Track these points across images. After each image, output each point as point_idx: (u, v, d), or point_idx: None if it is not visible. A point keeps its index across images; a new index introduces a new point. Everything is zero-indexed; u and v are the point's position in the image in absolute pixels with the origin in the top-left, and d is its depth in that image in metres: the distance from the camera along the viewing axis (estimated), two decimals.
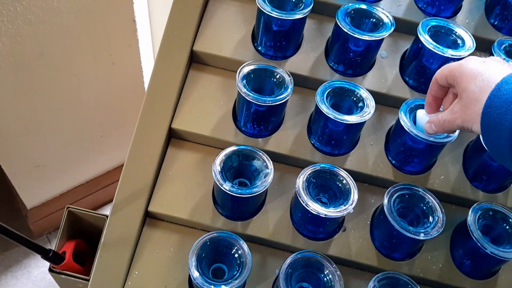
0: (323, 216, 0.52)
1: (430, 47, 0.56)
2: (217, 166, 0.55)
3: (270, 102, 0.55)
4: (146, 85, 1.33)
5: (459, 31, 0.59)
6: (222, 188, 0.53)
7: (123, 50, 1.22)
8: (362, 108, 0.57)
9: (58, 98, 1.15)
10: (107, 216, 0.59)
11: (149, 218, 0.59)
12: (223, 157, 0.56)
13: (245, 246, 0.53)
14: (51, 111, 1.16)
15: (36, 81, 1.08)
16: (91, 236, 0.67)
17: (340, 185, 0.55)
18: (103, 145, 1.39)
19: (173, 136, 0.62)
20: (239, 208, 0.58)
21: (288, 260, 0.53)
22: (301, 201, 0.53)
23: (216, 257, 0.55)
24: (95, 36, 1.14)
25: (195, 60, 0.64)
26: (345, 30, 0.57)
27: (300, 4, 0.60)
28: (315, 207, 0.52)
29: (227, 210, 0.58)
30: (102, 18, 1.11)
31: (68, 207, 0.66)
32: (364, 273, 0.58)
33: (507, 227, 0.55)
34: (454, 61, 0.58)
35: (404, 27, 0.63)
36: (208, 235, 0.54)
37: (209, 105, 0.62)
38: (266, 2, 0.59)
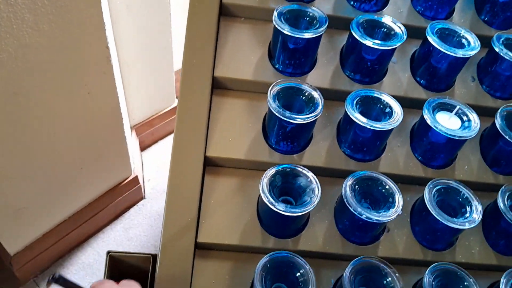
0: (375, 221, 0.54)
1: (441, 48, 0.60)
2: (265, 188, 0.55)
3: (305, 119, 0.57)
4: (122, 110, 1.29)
5: (463, 32, 0.64)
6: (274, 209, 0.54)
7: (98, 78, 1.19)
8: (390, 114, 0.60)
9: (35, 137, 1.10)
10: (151, 255, 0.58)
11: (199, 249, 0.59)
12: (269, 178, 0.56)
13: (306, 265, 0.54)
14: (28, 152, 1.10)
15: (11, 123, 1.02)
16: (131, 277, 0.65)
17: (383, 190, 0.58)
18: (84, 177, 1.34)
19: (208, 164, 0.62)
20: (289, 226, 0.59)
21: (349, 268, 0.55)
22: (352, 210, 0.55)
23: (277, 278, 0.56)
24: (70, 67, 1.09)
25: (217, 86, 0.64)
26: (362, 41, 0.60)
27: (315, 21, 0.62)
28: (368, 215, 0.54)
29: (277, 230, 0.59)
30: (75, 49, 1.07)
31: (108, 252, 0.63)
32: (411, 267, 0.61)
33: None
34: (463, 60, 0.62)
35: (408, 32, 0.67)
36: (267, 257, 0.54)
37: (239, 128, 0.62)
38: (283, 20, 0.60)
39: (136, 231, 1.48)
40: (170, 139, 1.73)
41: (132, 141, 1.59)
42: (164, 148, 1.69)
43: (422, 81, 0.66)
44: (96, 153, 1.31)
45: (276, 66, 0.65)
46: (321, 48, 0.66)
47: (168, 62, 1.52)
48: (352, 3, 0.67)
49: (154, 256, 0.63)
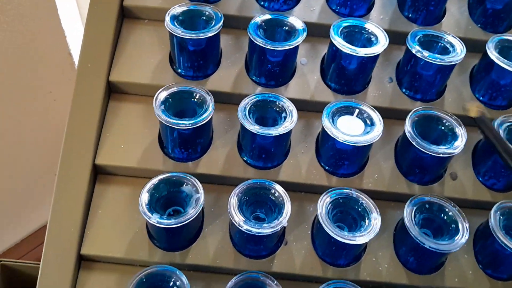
0: (257, 234, 0.50)
1: (343, 49, 0.56)
2: (143, 198, 0.53)
3: (191, 125, 0.53)
4: None
5: (372, 28, 0.59)
6: (150, 221, 0.51)
7: (63, 85, 1.20)
8: (286, 118, 0.56)
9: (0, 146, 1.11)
10: None
11: (84, 261, 0.57)
12: (150, 188, 0.54)
13: (183, 278, 0.51)
14: None
15: None
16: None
17: (273, 198, 0.54)
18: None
19: (100, 172, 0.60)
20: (174, 238, 0.55)
21: (229, 285, 0.51)
22: (233, 222, 0.51)
23: None
24: (33, 75, 1.11)
25: (114, 91, 0.62)
26: (259, 43, 0.56)
27: (211, 21, 0.59)
28: (247, 227, 0.50)
29: (163, 242, 0.56)
30: (38, 56, 1.09)
31: (0, 261, 0.62)
32: (311, 284, 0.56)
33: (445, 217, 0.55)
34: (370, 59, 0.58)
35: (320, 31, 0.63)
36: (143, 272, 0.51)
37: (133, 135, 0.60)
38: (176, 24, 0.58)
39: None
40: None
41: None
42: None
43: (331, 84, 0.61)
44: None
45: (178, 71, 0.62)
46: (226, 50, 0.63)
47: None
48: (262, 3, 0.64)
49: None
